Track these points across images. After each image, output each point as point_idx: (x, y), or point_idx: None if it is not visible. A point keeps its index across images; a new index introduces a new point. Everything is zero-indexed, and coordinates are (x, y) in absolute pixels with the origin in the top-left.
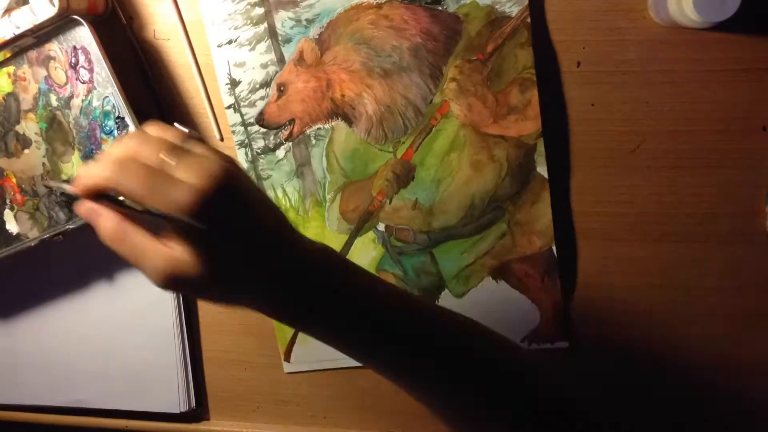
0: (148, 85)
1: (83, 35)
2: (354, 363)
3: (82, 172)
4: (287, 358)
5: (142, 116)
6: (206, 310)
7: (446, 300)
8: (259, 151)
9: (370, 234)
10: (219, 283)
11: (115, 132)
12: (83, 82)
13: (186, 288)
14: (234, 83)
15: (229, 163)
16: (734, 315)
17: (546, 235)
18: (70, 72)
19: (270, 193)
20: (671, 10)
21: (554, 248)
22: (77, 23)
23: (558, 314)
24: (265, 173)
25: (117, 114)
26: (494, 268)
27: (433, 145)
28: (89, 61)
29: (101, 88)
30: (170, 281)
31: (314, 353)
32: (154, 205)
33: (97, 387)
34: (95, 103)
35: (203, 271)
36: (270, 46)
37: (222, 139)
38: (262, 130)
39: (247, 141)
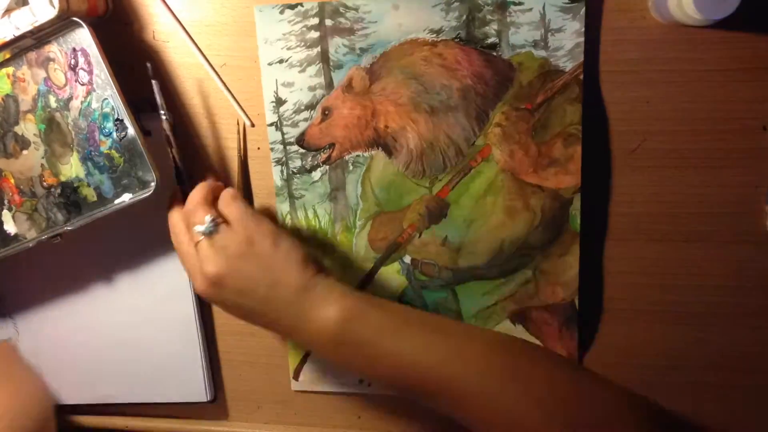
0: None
1: (83, 37)
2: (360, 391)
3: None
4: (296, 377)
5: (140, 117)
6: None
7: None
8: (295, 170)
9: (395, 265)
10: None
11: (114, 134)
12: (82, 84)
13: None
14: (279, 102)
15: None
16: (735, 315)
17: (570, 288)
18: (69, 74)
19: (300, 213)
20: (671, 7)
21: (576, 301)
22: (77, 25)
23: None
24: (298, 192)
25: (116, 116)
26: (514, 312)
27: (470, 186)
28: (89, 63)
29: (100, 90)
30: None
31: (324, 375)
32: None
33: (122, 381)
34: (94, 104)
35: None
36: (320, 70)
37: (253, 125)
38: (301, 150)
39: (284, 159)
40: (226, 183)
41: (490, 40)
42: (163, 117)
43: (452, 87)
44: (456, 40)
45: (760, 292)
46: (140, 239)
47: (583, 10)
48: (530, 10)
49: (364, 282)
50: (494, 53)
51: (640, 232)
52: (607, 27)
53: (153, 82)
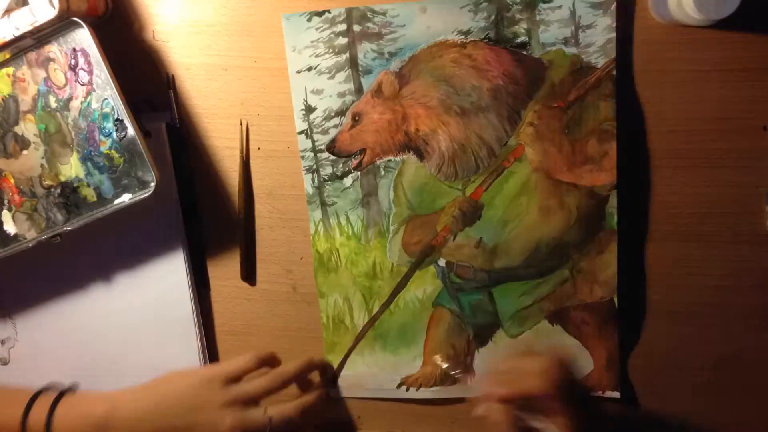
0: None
1: (83, 37)
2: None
3: None
4: (333, 384)
5: (140, 117)
6: (219, 304)
7: (500, 339)
8: (326, 177)
9: (430, 268)
10: None
11: (114, 134)
12: (82, 84)
13: None
14: (309, 109)
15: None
16: (735, 315)
17: (609, 286)
18: (69, 74)
19: (333, 220)
20: (671, 7)
21: (615, 300)
22: (77, 25)
23: (612, 365)
24: (330, 200)
25: (116, 116)
26: (552, 312)
27: (504, 187)
28: (89, 63)
29: (100, 90)
30: None
31: (360, 382)
32: None
33: (119, 380)
34: (94, 105)
35: None
36: (349, 76)
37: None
38: (332, 157)
39: (315, 167)
40: (226, 182)
41: (519, 39)
42: (177, 125)
43: (483, 88)
44: (485, 40)
45: (760, 292)
46: (139, 239)
47: (614, 6)
48: (560, 7)
49: (399, 286)
50: (524, 52)
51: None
52: (607, 26)
53: (170, 92)
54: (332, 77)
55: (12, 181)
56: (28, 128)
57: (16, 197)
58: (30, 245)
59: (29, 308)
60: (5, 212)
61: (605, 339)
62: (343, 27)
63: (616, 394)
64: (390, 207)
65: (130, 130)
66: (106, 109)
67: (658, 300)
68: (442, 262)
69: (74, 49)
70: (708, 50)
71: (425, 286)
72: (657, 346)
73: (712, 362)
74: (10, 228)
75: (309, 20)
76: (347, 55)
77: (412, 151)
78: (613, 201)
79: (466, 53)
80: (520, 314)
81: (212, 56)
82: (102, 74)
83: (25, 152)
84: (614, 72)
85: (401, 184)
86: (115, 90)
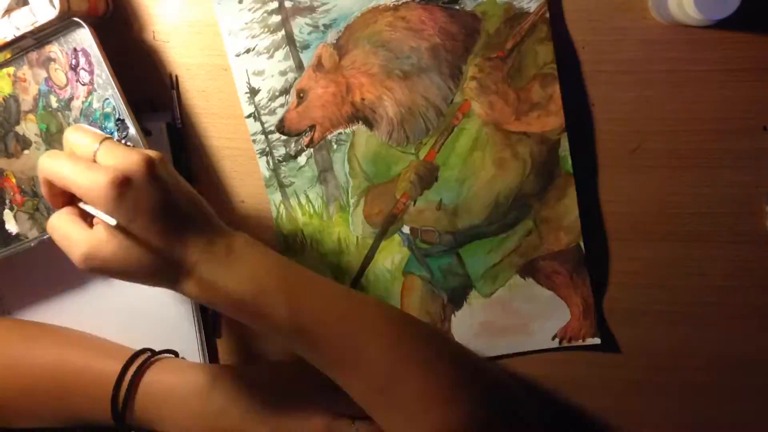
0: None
1: (84, 37)
2: None
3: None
4: None
5: (140, 117)
6: None
7: (475, 300)
8: (280, 158)
9: (396, 237)
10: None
11: (116, 134)
12: (83, 84)
13: (102, 269)
14: (253, 92)
15: (149, 156)
16: (735, 315)
17: (573, 231)
18: (70, 74)
19: (293, 200)
20: (672, 7)
21: (581, 244)
22: (78, 25)
23: (588, 311)
24: (287, 180)
25: (117, 116)
26: (521, 266)
27: (456, 145)
28: (89, 63)
29: (101, 90)
30: (88, 263)
31: None
32: (75, 189)
33: None
34: (95, 105)
35: (114, 250)
36: (288, 53)
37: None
38: (283, 137)
39: (268, 149)
40: (226, 183)
41: None
42: (179, 126)
43: (421, 48)
44: (417, 0)
45: (760, 292)
46: None
47: None
48: None
49: (367, 260)
50: (457, 7)
51: (641, 232)
52: (607, 26)
53: (172, 92)
54: (271, 56)
55: (14, 180)
56: (29, 128)
57: (18, 197)
58: (32, 245)
59: (28, 307)
60: (7, 212)
61: (578, 286)
62: (275, 5)
63: (597, 341)
64: (347, 180)
65: (132, 130)
66: (108, 109)
67: (658, 300)
68: (406, 230)
69: (75, 49)
70: (708, 50)
71: (393, 255)
72: (656, 344)
73: (712, 362)
74: (11, 227)
75: (240, 2)
76: (283, 32)
77: (360, 121)
78: (564, 144)
79: (400, 15)
80: (491, 272)
81: (212, 56)
82: (103, 74)
83: (26, 152)
84: (547, 14)
85: (355, 156)
86: (116, 90)
